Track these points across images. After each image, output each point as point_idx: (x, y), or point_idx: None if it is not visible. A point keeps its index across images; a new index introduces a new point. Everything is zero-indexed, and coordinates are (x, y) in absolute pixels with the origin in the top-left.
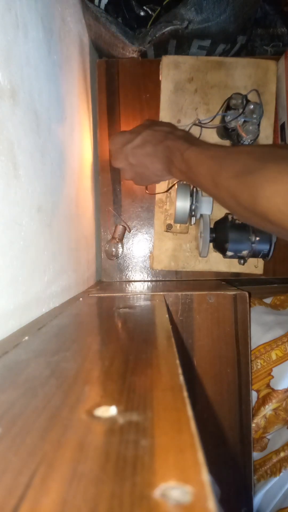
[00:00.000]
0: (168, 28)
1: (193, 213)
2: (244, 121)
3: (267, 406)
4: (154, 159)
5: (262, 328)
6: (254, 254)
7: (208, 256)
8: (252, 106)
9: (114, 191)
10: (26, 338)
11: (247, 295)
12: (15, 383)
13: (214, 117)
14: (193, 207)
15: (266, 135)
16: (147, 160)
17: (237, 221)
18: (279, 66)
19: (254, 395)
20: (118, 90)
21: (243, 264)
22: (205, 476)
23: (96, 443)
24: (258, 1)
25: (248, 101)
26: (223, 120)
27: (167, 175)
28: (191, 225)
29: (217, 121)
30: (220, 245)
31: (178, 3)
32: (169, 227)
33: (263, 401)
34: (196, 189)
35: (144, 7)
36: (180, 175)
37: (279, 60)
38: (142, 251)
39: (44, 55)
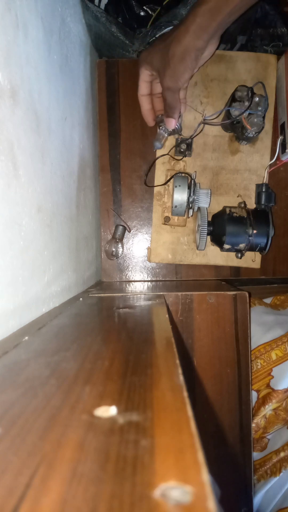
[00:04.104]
0: (168, 28)
1: (190, 205)
2: (249, 114)
3: (267, 406)
4: (186, 53)
5: (262, 328)
6: (251, 248)
7: (205, 250)
8: (257, 99)
9: (114, 191)
10: (26, 338)
11: (247, 295)
12: (15, 383)
13: (221, 112)
14: (190, 200)
15: (265, 130)
16: (185, 57)
17: (234, 214)
18: (279, 66)
19: (254, 395)
20: (118, 90)
21: (240, 257)
22: (205, 476)
23: (96, 443)
24: (258, 1)
25: (253, 94)
26: (228, 114)
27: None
28: (188, 217)
29: (221, 115)
30: (217, 238)
31: (178, 3)
32: (166, 220)
33: (263, 401)
34: (194, 181)
35: (144, 7)
36: (208, 27)
37: (279, 61)
38: (142, 251)
39: (44, 55)
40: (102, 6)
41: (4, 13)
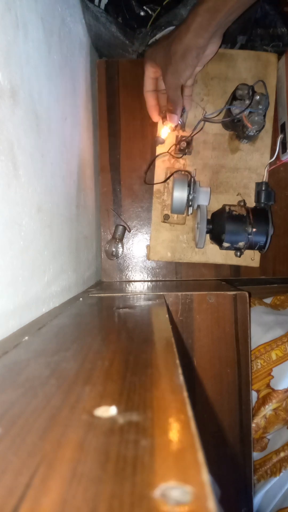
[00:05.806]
0: (169, 28)
1: (190, 203)
2: (250, 112)
3: (267, 406)
4: (188, 50)
5: (262, 328)
6: (251, 246)
7: (204, 248)
8: (258, 97)
9: (114, 191)
10: (26, 338)
11: (247, 295)
12: (15, 383)
13: (221, 110)
14: (190, 198)
15: (265, 129)
16: (187, 55)
17: (234, 213)
18: (279, 66)
19: (254, 395)
20: (118, 90)
21: (240, 256)
22: (205, 476)
23: (96, 443)
24: (258, 1)
25: (254, 92)
26: (228, 112)
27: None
28: (188, 215)
29: (221, 113)
30: (216, 236)
31: (178, 3)
32: (166, 218)
33: (263, 401)
34: (194, 179)
35: (144, 7)
36: (208, 24)
37: (279, 60)
38: (142, 251)
39: (44, 55)
40: (102, 6)
41: (4, 13)
